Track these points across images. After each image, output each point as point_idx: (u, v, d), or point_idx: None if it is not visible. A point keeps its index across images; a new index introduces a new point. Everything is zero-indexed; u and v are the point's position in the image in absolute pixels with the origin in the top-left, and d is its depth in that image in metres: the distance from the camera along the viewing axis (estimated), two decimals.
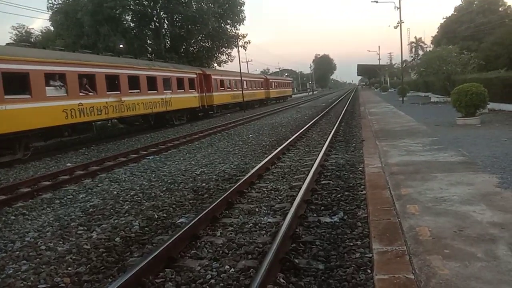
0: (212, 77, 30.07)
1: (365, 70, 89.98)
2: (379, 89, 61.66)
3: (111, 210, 6.60)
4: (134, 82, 19.90)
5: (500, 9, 43.30)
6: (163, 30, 35.94)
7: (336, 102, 39.63)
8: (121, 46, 29.80)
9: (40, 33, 46.76)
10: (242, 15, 38.60)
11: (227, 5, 36.77)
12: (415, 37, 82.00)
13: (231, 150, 12.67)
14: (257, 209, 5.97)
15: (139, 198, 7.25)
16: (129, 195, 7.55)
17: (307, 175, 7.38)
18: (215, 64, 41.57)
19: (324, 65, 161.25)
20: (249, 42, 41.08)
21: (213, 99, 29.58)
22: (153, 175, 9.41)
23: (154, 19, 35.18)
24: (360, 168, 8.10)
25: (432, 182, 5.93)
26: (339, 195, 6.34)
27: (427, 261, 3.43)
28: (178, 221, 5.67)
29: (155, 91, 21.74)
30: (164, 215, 6.06)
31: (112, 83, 18.48)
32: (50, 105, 14.47)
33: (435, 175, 6.29)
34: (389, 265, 3.48)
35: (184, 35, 36.54)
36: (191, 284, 3.81)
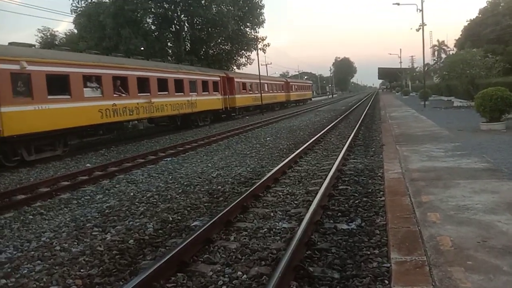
0: (235, 80, 30.76)
1: (386, 74, 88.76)
2: (400, 92, 60.69)
3: (127, 212, 6.61)
4: (163, 85, 20.81)
5: None
6: (183, 33, 36.27)
7: (356, 106, 39.17)
8: (142, 48, 30.17)
9: (64, 36, 47.83)
10: (261, 18, 38.63)
11: (247, 8, 36.85)
12: (438, 40, 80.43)
13: (248, 153, 12.60)
14: (272, 214, 5.87)
15: (154, 200, 7.25)
16: (145, 197, 7.56)
17: (324, 179, 7.23)
18: (234, 67, 41.71)
19: (344, 68, 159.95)
20: (268, 45, 41.11)
21: (235, 101, 30.35)
22: (170, 177, 9.42)
23: (175, 22, 35.53)
24: (379, 174, 7.91)
25: (455, 189, 5.71)
26: (357, 201, 6.18)
27: (448, 273, 3.27)
28: (192, 224, 5.62)
29: (182, 93, 22.65)
30: (179, 217, 6.02)
31: (143, 85, 19.30)
32: (87, 105, 15.47)
33: (458, 182, 6.07)
34: (407, 276, 3.33)
35: (204, 38, 36.80)
36: None
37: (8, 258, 4.91)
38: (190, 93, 23.54)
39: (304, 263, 4.03)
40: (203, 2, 32.20)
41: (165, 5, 33.99)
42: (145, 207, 6.78)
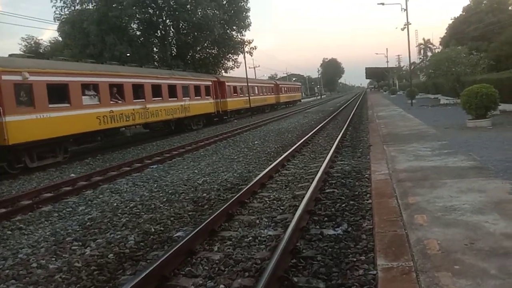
0: (226, 84, 31.46)
1: (373, 73, 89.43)
2: (388, 92, 61.12)
3: (108, 224, 6.41)
4: (157, 90, 21.43)
5: (510, 8, 42.60)
6: (169, 38, 36.01)
7: (344, 106, 39.27)
8: (128, 55, 29.86)
9: (49, 44, 47.29)
10: (247, 21, 38.52)
11: (232, 12, 36.74)
12: (423, 39, 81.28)
13: (235, 157, 12.46)
14: (257, 221, 5.73)
15: (138, 210, 7.06)
16: (128, 207, 7.36)
17: (311, 183, 7.13)
18: (222, 71, 41.56)
19: (332, 69, 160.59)
20: (255, 48, 41.02)
21: (227, 104, 31.02)
22: (155, 185, 9.23)
23: (160, 27, 35.27)
24: (366, 175, 7.82)
25: (442, 189, 5.64)
26: (343, 205, 6.07)
27: (436, 279, 3.17)
28: (175, 235, 5.45)
29: (175, 98, 23.28)
30: (162, 228, 5.84)
31: (138, 91, 19.93)
32: (86, 113, 16.01)
33: (445, 182, 6.00)
34: (394, 283, 3.23)
35: (190, 42, 36.58)
36: None
37: None
38: (183, 98, 24.12)
39: (288, 273, 3.90)
40: (188, 6, 32.00)
41: (150, 11, 33.74)
42: (127, 218, 6.59)
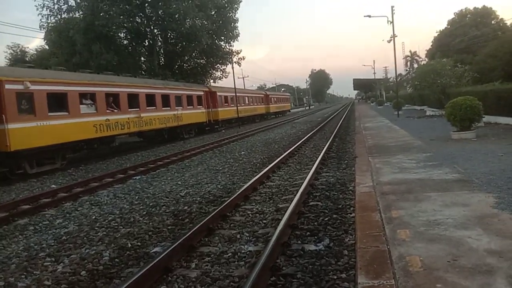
0: (217, 94, 32.09)
1: (361, 84, 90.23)
2: (375, 103, 61.67)
3: (85, 238, 6.18)
4: (151, 100, 22.04)
5: (492, 22, 43.55)
6: (157, 47, 35.85)
7: (331, 117, 39.44)
8: (114, 63, 29.60)
9: (35, 52, 46.75)
10: (236, 32, 38.60)
11: (220, 22, 36.79)
12: (410, 51, 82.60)
13: (220, 168, 12.29)
14: (238, 236, 5.57)
15: (116, 224, 6.83)
16: (106, 221, 7.13)
17: (295, 195, 7.01)
18: (211, 81, 41.52)
19: (320, 80, 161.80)
20: (243, 58, 41.11)
21: (218, 114, 31.67)
22: (136, 197, 9.00)
23: (148, 36, 35.11)
24: (350, 188, 7.73)
25: (425, 202, 5.57)
26: (326, 219, 5.95)
27: None
28: (152, 251, 5.26)
29: (169, 108, 23.87)
30: (139, 243, 5.64)
31: (133, 101, 20.41)
32: (83, 121, 16.57)
33: (429, 195, 5.93)
34: None
35: (178, 52, 36.47)
36: None
37: None
38: (176, 107, 24.69)
39: None
40: (176, 16, 31.93)
41: (138, 20, 33.58)
42: (104, 232, 6.37)
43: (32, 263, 5.26)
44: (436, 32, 50.55)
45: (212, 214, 6.20)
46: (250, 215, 6.64)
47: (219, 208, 6.53)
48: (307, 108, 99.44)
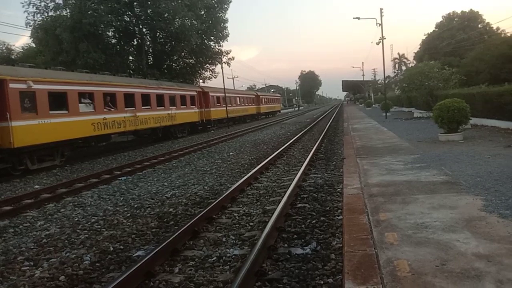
0: (210, 94, 32.57)
1: (349, 86, 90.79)
2: (364, 104, 62.03)
3: (66, 241, 5.99)
4: (146, 100, 22.57)
5: (479, 25, 44.11)
6: (145, 47, 35.48)
7: (320, 118, 39.48)
8: (102, 62, 29.18)
9: (21, 50, 45.96)
10: (225, 32, 38.38)
11: (210, 22, 36.53)
12: (398, 53, 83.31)
13: (208, 169, 12.15)
14: (224, 239, 5.44)
15: (99, 226, 6.65)
16: (89, 223, 6.95)
17: (283, 197, 6.92)
18: (200, 81, 41.27)
19: (309, 81, 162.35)
20: (233, 59, 40.87)
21: (210, 114, 32.16)
22: (121, 199, 8.81)
23: (137, 35, 34.72)
24: (338, 189, 7.66)
25: (413, 205, 5.52)
26: (314, 221, 5.86)
27: None
28: (135, 255, 5.11)
29: (163, 107, 24.46)
30: (121, 247, 5.48)
31: (129, 100, 20.95)
32: (82, 119, 17.08)
33: (417, 197, 5.89)
34: None
35: (167, 51, 36.14)
36: None
37: None
38: (170, 107, 25.24)
39: None
40: (165, 15, 31.62)
41: (126, 19, 33.18)
42: (86, 235, 6.19)
43: (9, 268, 5.06)
44: (424, 35, 50.95)
45: (198, 216, 6.07)
46: (237, 217, 6.52)
47: (205, 210, 6.40)
48: (297, 109, 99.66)
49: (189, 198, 8.26)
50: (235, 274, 4.10)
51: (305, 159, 11.62)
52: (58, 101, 15.90)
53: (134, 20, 33.70)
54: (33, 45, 38.50)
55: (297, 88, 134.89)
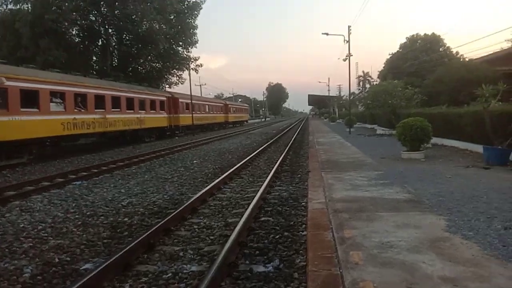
0: (179, 100, 32.85)
1: (315, 100, 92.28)
2: (328, 119, 63.12)
3: (6, 250, 5.44)
4: (116, 102, 22.84)
5: (440, 49, 46.08)
6: (110, 48, 34.50)
7: (286, 130, 39.69)
8: (63, 61, 28.03)
9: None
10: (194, 38, 38.10)
11: (179, 27, 36.12)
12: (363, 71, 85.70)
13: (169, 177, 11.71)
14: (181, 253, 5.10)
15: (45, 234, 6.12)
16: (35, 230, 6.39)
17: (246, 209, 6.67)
18: (166, 86, 40.56)
19: (277, 93, 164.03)
20: (201, 66, 40.59)
21: (179, 120, 32.44)
22: (73, 205, 8.24)
23: (102, 35, 33.71)
24: (303, 203, 7.50)
25: (378, 222, 5.42)
26: (277, 236, 5.63)
27: None
28: (82, 268, 4.68)
29: (132, 111, 24.79)
30: (68, 258, 5.01)
31: (99, 102, 21.14)
32: (52, 118, 17.24)
33: (381, 215, 5.81)
34: None
35: (133, 54, 35.32)
36: None
37: None
38: (139, 111, 25.58)
39: None
40: (133, 17, 30.94)
41: (92, 18, 32.19)
42: (31, 244, 5.65)
43: None
44: (389, 54, 52.64)
45: (155, 227, 5.70)
46: (197, 229, 6.19)
47: (162, 221, 6.03)
48: (263, 120, 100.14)
49: (147, 207, 7.83)
50: None
51: (270, 170, 11.44)
52: (30, 99, 15.99)
53: (100, 20, 32.81)
54: None
55: (265, 99, 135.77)
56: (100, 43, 34.28)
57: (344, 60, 30.39)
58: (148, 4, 31.33)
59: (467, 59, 35.66)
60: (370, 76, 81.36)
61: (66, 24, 29.42)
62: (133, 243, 4.95)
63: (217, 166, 13.83)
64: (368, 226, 5.27)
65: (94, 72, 30.99)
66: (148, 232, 5.43)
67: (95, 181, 11.38)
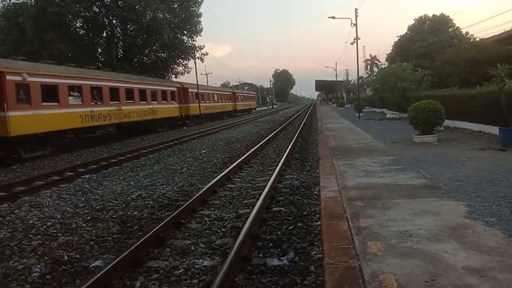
0: (189, 90, 33.35)
1: (322, 86, 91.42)
2: (336, 104, 62.53)
3: (15, 248, 5.36)
4: (129, 94, 23.56)
5: (449, 29, 45.08)
6: (115, 39, 34.26)
7: (294, 117, 39.36)
8: (68, 54, 27.90)
9: None
10: (199, 27, 37.63)
11: (183, 16, 35.67)
12: (370, 55, 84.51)
13: (178, 168, 11.59)
14: (193, 247, 4.97)
15: (54, 231, 6.03)
16: (45, 226, 6.31)
17: (257, 200, 6.51)
18: (173, 76, 40.34)
19: (283, 80, 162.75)
20: (206, 54, 40.18)
21: (189, 109, 33.14)
22: (82, 199, 8.16)
23: (106, 27, 33.46)
24: (315, 192, 7.32)
25: (394, 210, 5.24)
26: (290, 227, 5.47)
27: None
28: (92, 265, 4.57)
29: (145, 102, 25.50)
30: (77, 256, 4.90)
31: (114, 94, 21.87)
32: (71, 111, 17.95)
33: (397, 202, 5.62)
34: None
35: (138, 44, 35.06)
36: None
37: None
38: (152, 102, 26.22)
39: None
40: (137, 7, 30.58)
41: (95, 9, 31.91)
42: (40, 241, 5.57)
43: None
44: (397, 37, 51.60)
45: (165, 221, 5.58)
46: (208, 222, 6.05)
47: (173, 214, 5.91)
48: (270, 107, 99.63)
49: (156, 200, 7.71)
50: None
51: (280, 158, 11.26)
52: (50, 93, 16.65)
53: (103, 11, 32.49)
54: None
55: (271, 86, 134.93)
56: (104, 34, 34.05)
57: (352, 43, 29.86)
58: None
59: (477, 39, 34.84)
60: (378, 60, 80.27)
61: (70, 16, 29.22)
62: (143, 238, 4.82)
63: (226, 156, 13.68)
64: (385, 215, 5.09)
65: (100, 64, 30.87)
66: (159, 226, 5.30)
67: (104, 174, 11.30)
